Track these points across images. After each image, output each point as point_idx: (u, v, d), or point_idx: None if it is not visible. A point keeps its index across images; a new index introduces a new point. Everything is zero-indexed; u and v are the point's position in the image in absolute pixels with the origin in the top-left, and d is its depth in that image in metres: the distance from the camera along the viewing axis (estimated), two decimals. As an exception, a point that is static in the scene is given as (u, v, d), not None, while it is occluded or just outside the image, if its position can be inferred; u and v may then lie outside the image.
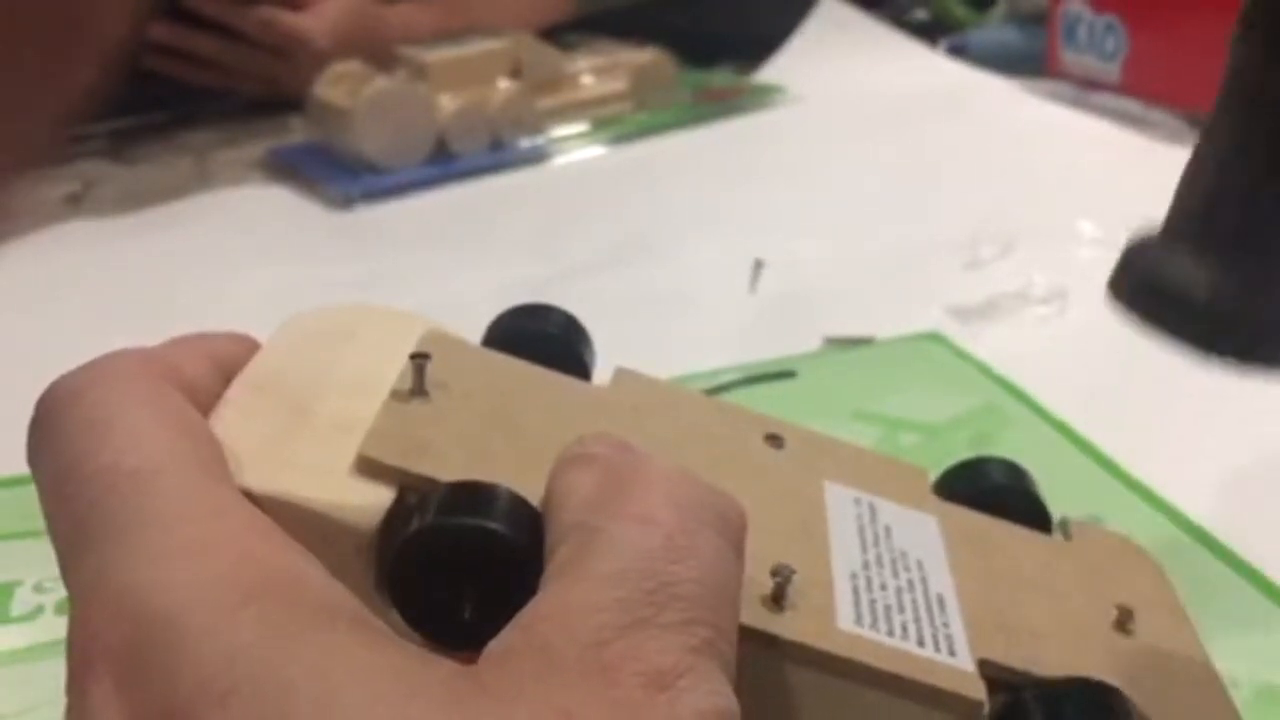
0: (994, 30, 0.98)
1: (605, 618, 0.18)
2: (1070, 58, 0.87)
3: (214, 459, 0.21)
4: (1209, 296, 0.23)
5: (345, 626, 0.18)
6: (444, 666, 0.18)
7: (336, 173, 0.75)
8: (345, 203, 0.73)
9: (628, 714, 0.17)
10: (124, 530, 0.19)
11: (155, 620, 0.17)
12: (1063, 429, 0.46)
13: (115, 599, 0.18)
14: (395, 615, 0.21)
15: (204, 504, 0.19)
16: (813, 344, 0.54)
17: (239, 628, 0.17)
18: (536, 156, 0.79)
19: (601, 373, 0.28)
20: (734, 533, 0.20)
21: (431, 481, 0.21)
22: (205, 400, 0.22)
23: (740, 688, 0.19)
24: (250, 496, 0.20)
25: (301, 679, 0.16)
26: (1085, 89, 0.86)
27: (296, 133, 0.83)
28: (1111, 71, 0.84)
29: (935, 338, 0.54)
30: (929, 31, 0.99)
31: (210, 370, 0.23)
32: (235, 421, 0.22)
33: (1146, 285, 0.24)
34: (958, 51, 0.95)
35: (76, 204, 0.74)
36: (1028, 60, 0.90)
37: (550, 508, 0.20)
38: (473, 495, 0.20)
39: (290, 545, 0.19)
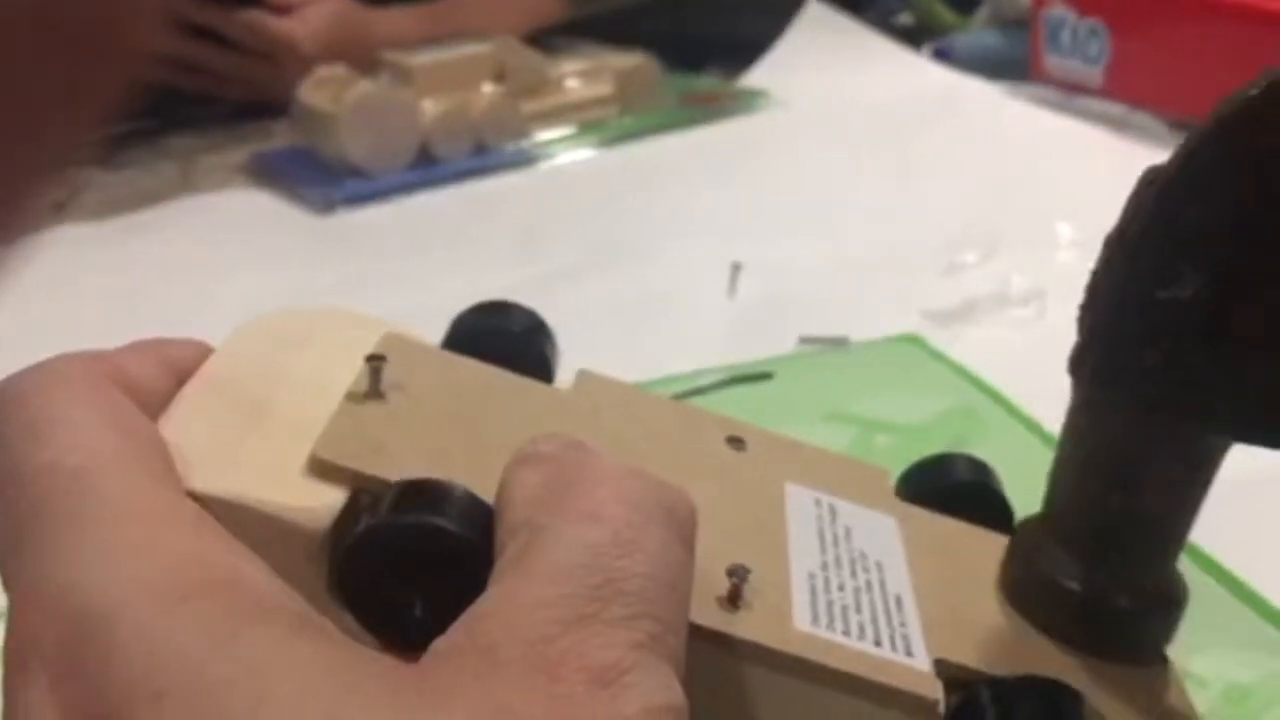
0: (978, 35, 0.98)
1: (550, 614, 0.18)
2: (1054, 62, 0.87)
3: (157, 460, 0.20)
4: (1081, 590, 0.25)
5: (283, 624, 0.18)
6: (383, 663, 0.17)
7: (320, 177, 0.75)
8: (328, 207, 0.73)
9: (570, 711, 0.17)
10: (63, 530, 0.19)
11: (90, 619, 0.17)
12: (1038, 430, 0.46)
13: (52, 598, 0.18)
14: (348, 618, 0.21)
15: (144, 504, 0.19)
16: (792, 346, 0.54)
17: (174, 627, 0.17)
18: (521, 160, 0.79)
19: (567, 380, 0.28)
20: (682, 527, 0.20)
21: (385, 483, 0.21)
22: (156, 403, 0.22)
23: (695, 687, 0.19)
24: (199, 498, 0.20)
25: (235, 677, 0.16)
26: (1068, 93, 0.86)
27: (280, 137, 0.83)
28: (1095, 75, 0.84)
29: (913, 340, 0.54)
30: (913, 36, 0.99)
31: (161, 374, 0.23)
32: (185, 422, 0.22)
33: (1030, 577, 0.26)
34: (942, 56, 0.95)
35: (61, 209, 0.73)
36: (1011, 64, 0.91)
37: (500, 506, 0.20)
38: (425, 493, 0.20)
39: (232, 545, 0.19)
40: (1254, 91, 0.22)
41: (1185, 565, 0.39)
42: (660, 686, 0.18)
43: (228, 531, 0.20)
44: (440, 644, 0.18)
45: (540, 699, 0.17)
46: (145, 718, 0.16)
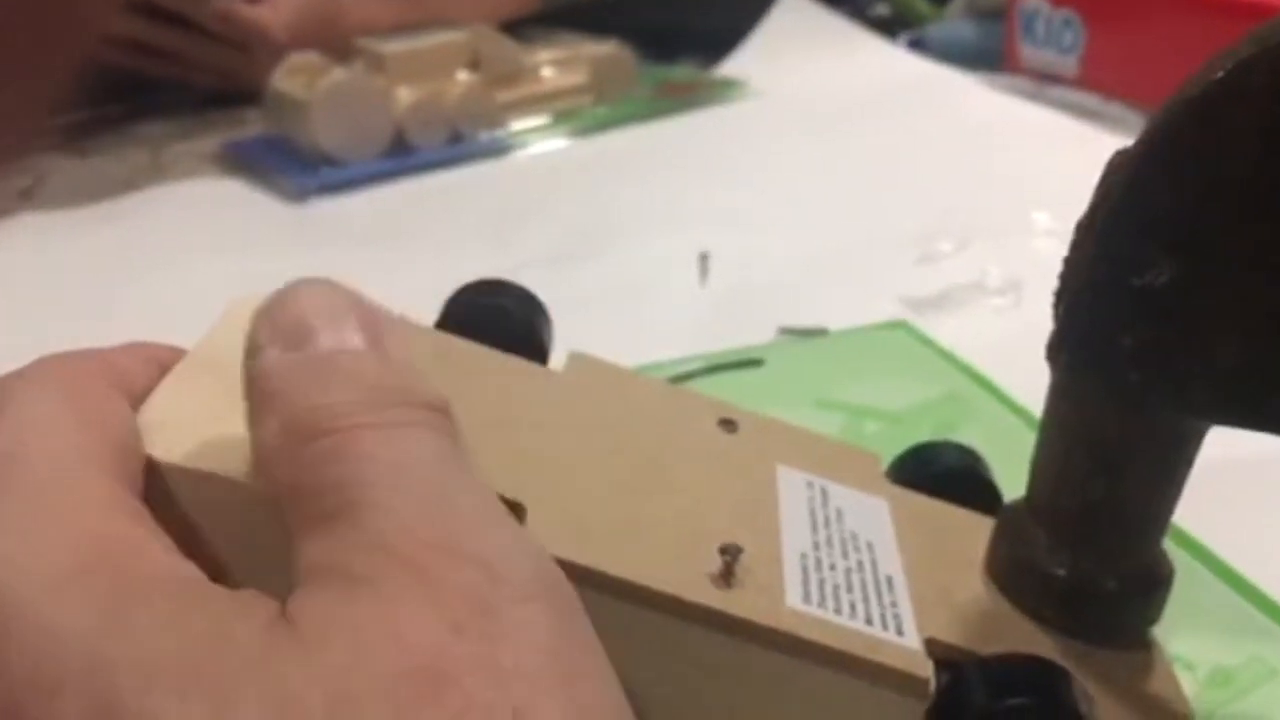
0: (953, 25, 0.98)
1: (391, 523, 0.18)
2: (1028, 52, 0.87)
3: (114, 454, 0.20)
4: (1066, 574, 0.25)
5: (174, 596, 0.17)
6: (260, 616, 0.17)
7: (293, 165, 0.74)
8: (301, 195, 0.72)
9: (460, 610, 0.17)
10: None
11: None
12: (1026, 417, 0.46)
13: None
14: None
15: (63, 489, 0.19)
16: (770, 336, 0.54)
17: (65, 608, 0.17)
18: (496, 149, 0.79)
19: (559, 362, 0.28)
20: (431, 413, 0.20)
21: None
22: (143, 396, 0.22)
23: (686, 664, 0.19)
24: (180, 471, 0.20)
25: (125, 658, 0.16)
26: (1043, 83, 0.86)
27: (253, 125, 0.82)
28: (1069, 65, 0.84)
29: (901, 326, 0.54)
30: (889, 26, 0.99)
31: (151, 371, 0.23)
32: (172, 399, 0.22)
33: (1015, 561, 0.26)
34: (917, 46, 0.95)
35: (29, 197, 0.72)
36: (986, 55, 0.91)
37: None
38: None
39: (140, 520, 0.19)
40: (1218, 74, 0.21)
41: (1170, 549, 0.39)
42: (528, 553, 0.18)
43: (178, 514, 0.19)
44: (307, 581, 0.18)
45: (421, 614, 0.17)
46: (44, 713, 0.16)
